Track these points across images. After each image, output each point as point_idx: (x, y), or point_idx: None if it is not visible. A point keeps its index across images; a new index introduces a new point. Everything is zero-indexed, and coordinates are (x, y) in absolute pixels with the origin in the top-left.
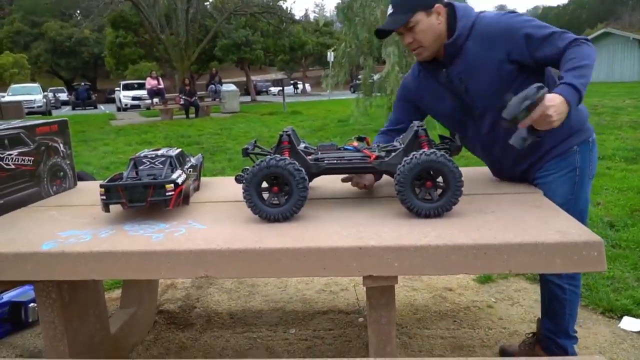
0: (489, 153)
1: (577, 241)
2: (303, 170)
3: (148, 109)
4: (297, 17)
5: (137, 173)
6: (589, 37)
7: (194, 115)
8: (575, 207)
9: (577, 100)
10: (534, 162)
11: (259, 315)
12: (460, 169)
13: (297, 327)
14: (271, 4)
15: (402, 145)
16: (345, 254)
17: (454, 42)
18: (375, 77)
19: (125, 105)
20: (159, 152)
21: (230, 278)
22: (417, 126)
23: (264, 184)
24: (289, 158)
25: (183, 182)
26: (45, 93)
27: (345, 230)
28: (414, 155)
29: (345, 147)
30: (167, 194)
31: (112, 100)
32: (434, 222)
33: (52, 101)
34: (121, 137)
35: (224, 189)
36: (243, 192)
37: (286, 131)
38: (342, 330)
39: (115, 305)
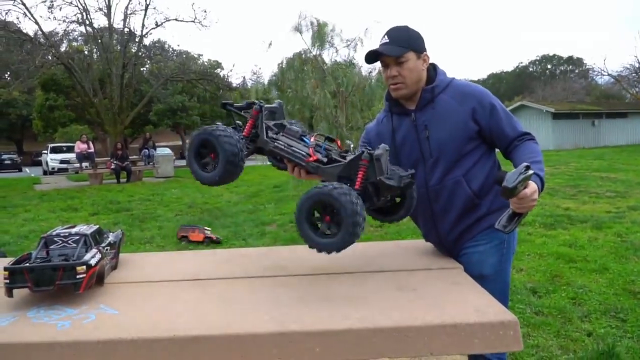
0: (429, 208)
1: (493, 321)
2: (234, 146)
3: (76, 172)
4: (234, 84)
5: (47, 253)
6: (508, 109)
7: (125, 180)
8: (502, 279)
9: (541, 190)
10: (469, 226)
11: None
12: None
13: None
14: (208, 71)
15: (347, 160)
16: (265, 340)
17: (432, 89)
18: None
19: (52, 168)
20: (73, 230)
21: None
22: (366, 149)
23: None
24: (228, 129)
25: (97, 263)
26: None
27: (268, 313)
28: (313, 187)
29: (305, 138)
30: (78, 276)
31: (39, 163)
32: (356, 302)
33: None
34: (45, 202)
35: (144, 267)
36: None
37: (260, 102)
38: None
39: None
